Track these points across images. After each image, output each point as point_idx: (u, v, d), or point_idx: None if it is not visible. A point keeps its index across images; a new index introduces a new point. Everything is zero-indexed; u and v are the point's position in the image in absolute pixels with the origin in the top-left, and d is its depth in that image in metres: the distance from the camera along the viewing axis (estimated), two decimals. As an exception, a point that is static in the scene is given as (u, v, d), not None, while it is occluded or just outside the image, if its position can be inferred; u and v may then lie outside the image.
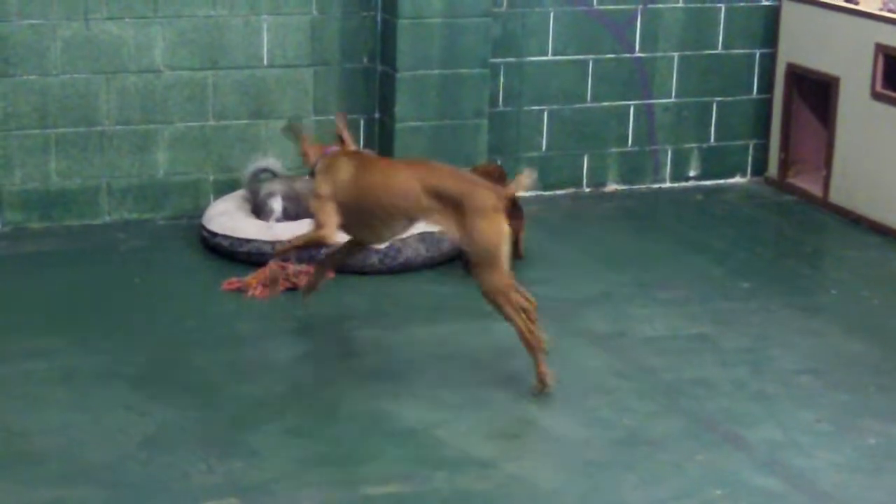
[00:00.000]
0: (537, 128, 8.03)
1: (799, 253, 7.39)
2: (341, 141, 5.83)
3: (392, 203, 5.52)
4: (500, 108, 7.89)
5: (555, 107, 8.04)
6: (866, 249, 7.38)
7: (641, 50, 8.13)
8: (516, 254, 6.95)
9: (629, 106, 8.19)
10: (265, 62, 7.47)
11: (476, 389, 5.56)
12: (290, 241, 5.84)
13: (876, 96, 7.55)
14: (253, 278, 6.37)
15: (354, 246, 5.87)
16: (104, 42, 7.18)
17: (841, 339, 6.18)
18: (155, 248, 7.04)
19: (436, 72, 7.49)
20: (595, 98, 8.10)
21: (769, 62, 8.33)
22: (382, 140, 7.62)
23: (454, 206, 5.42)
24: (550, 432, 5.23)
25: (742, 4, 8.26)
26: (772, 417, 5.37)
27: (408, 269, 6.74)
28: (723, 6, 8.22)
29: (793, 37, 8.13)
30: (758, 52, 8.35)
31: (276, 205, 6.90)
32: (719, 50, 8.28)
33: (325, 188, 5.60)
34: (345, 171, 5.60)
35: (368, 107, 7.69)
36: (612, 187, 8.26)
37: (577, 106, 8.08)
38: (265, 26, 7.43)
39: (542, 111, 8.02)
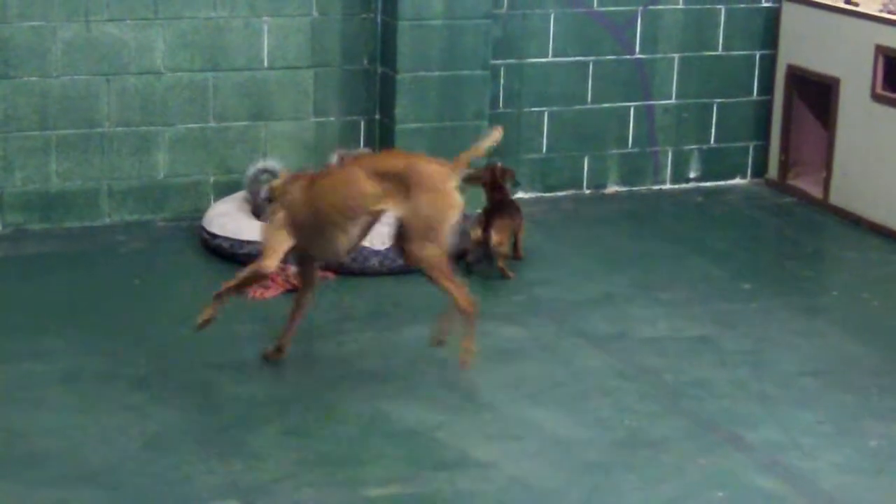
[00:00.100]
0: (538, 129, 8.03)
1: (799, 254, 7.39)
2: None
3: (343, 200, 5.37)
4: (501, 109, 7.89)
5: (555, 108, 8.04)
6: (867, 251, 7.38)
7: (642, 51, 8.13)
8: (516, 255, 6.96)
9: (629, 107, 8.19)
10: (265, 64, 7.47)
11: (476, 391, 5.56)
12: (228, 283, 5.59)
13: (876, 98, 7.55)
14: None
15: (308, 285, 5.70)
16: (105, 44, 7.19)
17: (842, 340, 6.18)
18: (155, 249, 7.04)
19: (436, 73, 7.49)
20: (595, 99, 8.10)
21: (769, 64, 8.34)
22: (383, 142, 7.62)
23: (401, 183, 5.31)
24: (551, 433, 5.22)
25: (742, 6, 8.26)
26: (773, 418, 5.37)
27: (408, 270, 6.73)
28: (723, 8, 8.22)
29: (793, 38, 8.14)
30: (758, 54, 8.35)
31: (277, 206, 6.89)
32: (719, 51, 8.28)
33: (277, 215, 5.51)
34: (295, 190, 5.51)
35: (369, 108, 7.69)
36: (612, 189, 8.26)
37: (578, 107, 8.08)
38: (265, 28, 7.43)
39: (542, 113, 8.02)
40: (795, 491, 4.85)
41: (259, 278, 5.61)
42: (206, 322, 5.54)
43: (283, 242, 5.49)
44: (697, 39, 8.22)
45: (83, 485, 4.75)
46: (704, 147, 8.40)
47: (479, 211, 6.92)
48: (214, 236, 6.87)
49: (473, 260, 6.80)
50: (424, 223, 5.30)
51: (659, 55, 8.17)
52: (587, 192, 8.21)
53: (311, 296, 5.71)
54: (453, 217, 5.35)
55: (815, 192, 8.05)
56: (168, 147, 7.39)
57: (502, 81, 7.88)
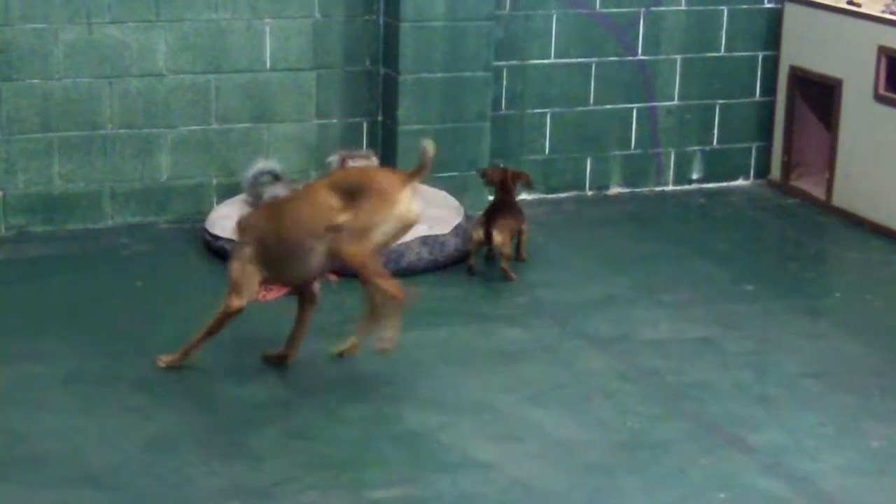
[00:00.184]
0: (540, 131, 8.03)
1: (802, 255, 7.38)
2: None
3: (307, 218, 5.37)
4: (503, 111, 7.89)
5: (557, 110, 8.04)
6: (869, 252, 7.37)
7: (644, 53, 8.13)
8: (518, 256, 6.96)
9: (632, 109, 8.19)
10: (268, 66, 7.47)
11: (479, 392, 5.56)
12: (197, 335, 5.59)
13: (879, 99, 7.54)
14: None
15: (307, 301, 5.68)
16: (107, 46, 7.19)
17: (844, 341, 6.17)
18: (158, 251, 7.05)
19: (438, 75, 7.49)
20: (598, 101, 8.10)
21: (772, 65, 8.33)
22: (385, 143, 7.62)
23: (357, 193, 5.32)
24: (553, 435, 5.22)
25: (744, 7, 8.25)
26: (775, 420, 5.37)
27: (410, 272, 6.74)
28: (725, 9, 8.22)
29: (795, 39, 8.13)
30: (760, 55, 8.35)
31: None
32: (722, 53, 8.28)
33: (243, 250, 5.52)
34: (259, 221, 5.52)
35: (371, 110, 7.69)
36: (614, 190, 8.25)
37: (580, 109, 8.08)
38: (268, 30, 7.43)
39: (544, 114, 8.02)
40: (797, 492, 4.84)
41: (230, 318, 5.58)
42: (171, 363, 5.62)
43: (252, 278, 5.50)
44: (700, 40, 8.22)
45: (84, 486, 4.75)
46: (707, 148, 8.39)
47: (480, 212, 6.92)
48: (217, 238, 6.87)
49: (475, 262, 6.80)
50: (360, 223, 5.29)
51: (661, 56, 8.17)
52: (589, 193, 8.20)
53: (311, 310, 5.70)
54: (394, 225, 5.32)
55: (818, 193, 8.05)
56: (170, 149, 7.39)
57: (505, 83, 7.88)
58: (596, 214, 7.89)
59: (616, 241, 7.45)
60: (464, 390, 5.57)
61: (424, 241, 6.76)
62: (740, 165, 8.48)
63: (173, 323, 6.07)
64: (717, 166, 8.42)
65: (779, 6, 8.25)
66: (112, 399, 5.40)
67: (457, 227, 6.92)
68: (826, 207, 7.94)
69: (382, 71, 7.62)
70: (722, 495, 4.81)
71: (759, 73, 8.37)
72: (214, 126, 7.45)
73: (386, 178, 5.40)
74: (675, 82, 8.22)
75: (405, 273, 6.71)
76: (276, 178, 7.11)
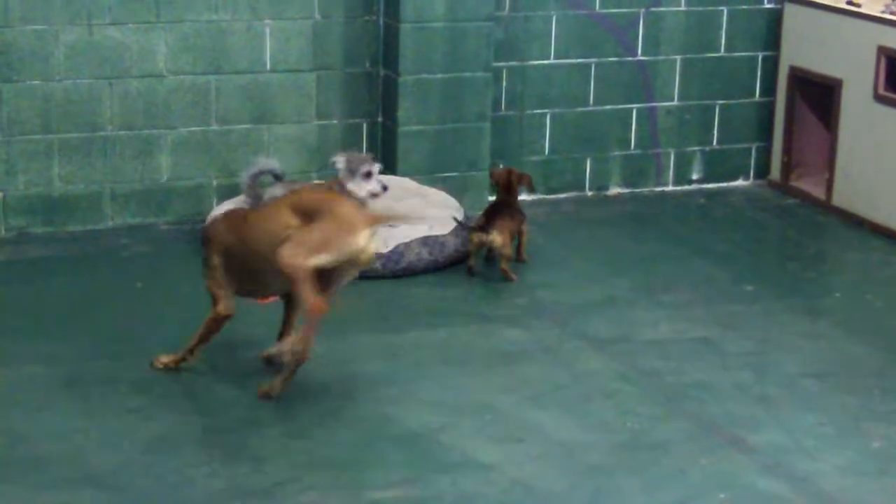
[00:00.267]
0: (540, 131, 8.03)
1: (802, 256, 7.38)
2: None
3: (265, 231, 5.33)
4: (503, 111, 7.89)
5: (557, 110, 8.04)
6: (869, 252, 7.38)
7: (644, 53, 8.13)
8: (519, 257, 6.96)
9: (632, 109, 8.19)
10: (268, 67, 7.47)
11: (479, 393, 5.56)
12: (191, 343, 5.59)
13: (879, 99, 7.54)
14: None
15: (288, 310, 5.63)
16: (107, 47, 7.19)
17: (844, 341, 6.17)
18: (158, 252, 7.05)
19: (438, 76, 7.49)
20: (598, 101, 8.10)
21: (772, 65, 8.34)
22: (385, 144, 7.63)
23: (318, 219, 5.24)
24: (554, 436, 5.22)
25: (744, 7, 8.26)
26: (775, 421, 5.37)
27: (410, 273, 6.74)
28: (725, 9, 8.22)
29: (795, 40, 8.13)
30: (760, 55, 8.35)
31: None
32: (722, 53, 8.28)
33: (212, 259, 5.51)
34: (222, 228, 5.50)
35: (371, 111, 7.70)
36: (614, 191, 8.26)
37: (580, 109, 8.08)
38: (268, 31, 7.44)
39: (544, 115, 8.02)
40: (797, 493, 4.84)
41: (220, 324, 5.56)
42: (168, 365, 5.61)
43: (228, 285, 5.49)
44: (699, 41, 8.22)
45: (85, 487, 4.75)
46: (707, 149, 8.40)
47: (480, 213, 6.92)
48: (217, 239, 6.86)
49: (475, 262, 6.80)
50: (307, 238, 5.19)
51: (661, 57, 8.17)
52: (589, 194, 8.21)
53: (297, 313, 5.62)
54: (344, 257, 5.22)
55: (818, 193, 8.05)
56: (170, 150, 7.40)
57: (504, 84, 7.88)
58: (596, 215, 7.89)
59: (616, 242, 7.45)
60: (464, 391, 5.58)
61: (424, 241, 6.76)
62: (740, 166, 8.48)
63: (174, 324, 6.07)
64: (717, 167, 8.43)
65: (779, 6, 8.25)
66: (112, 400, 5.40)
67: (456, 228, 6.92)
68: (826, 207, 7.95)
69: (382, 72, 7.62)
70: (722, 495, 4.81)
71: (758, 74, 8.38)
72: (214, 127, 7.45)
73: (351, 211, 5.29)
74: (674, 83, 8.23)
75: (405, 273, 6.72)
76: (276, 177, 7.09)
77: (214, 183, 7.49)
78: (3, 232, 7.20)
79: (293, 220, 5.29)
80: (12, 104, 7.11)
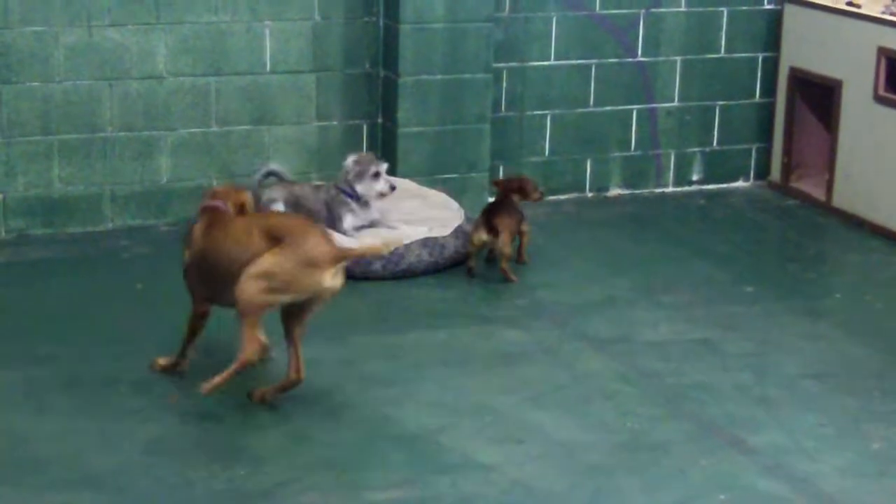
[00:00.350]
0: (540, 132, 8.03)
1: (802, 257, 7.38)
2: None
3: (231, 246, 5.26)
4: (503, 112, 7.89)
5: (557, 111, 8.04)
6: (869, 253, 7.38)
7: (644, 54, 8.13)
8: (519, 259, 6.95)
9: (632, 110, 8.19)
10: (268, 68, 7.47)
11: (479, 394, 5.56)
12: (183, 345, 5.57)
13: (879, 100, 7.54)
14: None
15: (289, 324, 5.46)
16: (107, 48, 7.19)
17: (844, 342, 6.17)
18: (158, 254, 7.04)
19: (438, 77, 7.49)
20: (598, 102, 8.10)
21: (772, 66, 8.34)
22: (385, 146, 7.63)
23: (285, 247, 5.15)
24: (554, 437, 5.22)
25: (744, 8, 8.26)
26: (775, 421, 5.37)
27: (411, 274, 6.74)
28: (725, 10, 8.22)
29: (795, 41, 8.13)
30: (760, 56, 8.35)
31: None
32: (722, 54, 8.28)
33: (185, 257, 5.49)
34: (197, 233, 5.44)
35: (371, 112, 7.70)
36: (615, 192, 8.26)
37: (580, 110, 8.08)
38: (267, 32, 7.44)
39: (544, 116, 8.02)
40: (797, 494, 4.84)
41: (200, 321, 5.51)
42: (165, 367, 5.61)
43: (198, 285, 5.46)
44: (700, 42, 8.22)
45: (85, 489, 4.75)
46: (707, 150, 8.40)
47: (479, 214, 6.91)
48: (217, 240, 6.86)
49: (475, 264, 6.80)
50: (272, 268, 5.11)
51: (661, 58, 8.17)
52: (589, 195, 8.21)
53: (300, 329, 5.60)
54: (306, 293, 5.15)
55: (818, 194, 8.05)
56: (170, 152, 7.40)
57: (504, 85, 7.88)
58: (596, 216, 7.89)
59: (616, 243, 7.45)
60: (464, 392, 5.58)
61: (424, 243, 6.76)
62: (740, 167, 8.48)
63: (174, 325, 6.07)
64: (717, 168, 8.43)
65: (778, 7, 8.25)
66: (112, 401, 5.40)
67: (457, 230, 6.92)
68: (826, 208, 7.95)
69: (382, 73, 7.62)
70: (722, 496, 4.81)
71: (758, 75, 8.38)
72: (214, 128, 7.45)
73: (318, 246, 5.15)
74: (674, 84, 8.22)
75: (405, 275, 6.71)
76: (281, 179, 7.11)
77: (214, 184, 7.48)
78: (2, 234, 7.20)
79: (261, 245, 5.18)
80: (12, 105, 7.11)
